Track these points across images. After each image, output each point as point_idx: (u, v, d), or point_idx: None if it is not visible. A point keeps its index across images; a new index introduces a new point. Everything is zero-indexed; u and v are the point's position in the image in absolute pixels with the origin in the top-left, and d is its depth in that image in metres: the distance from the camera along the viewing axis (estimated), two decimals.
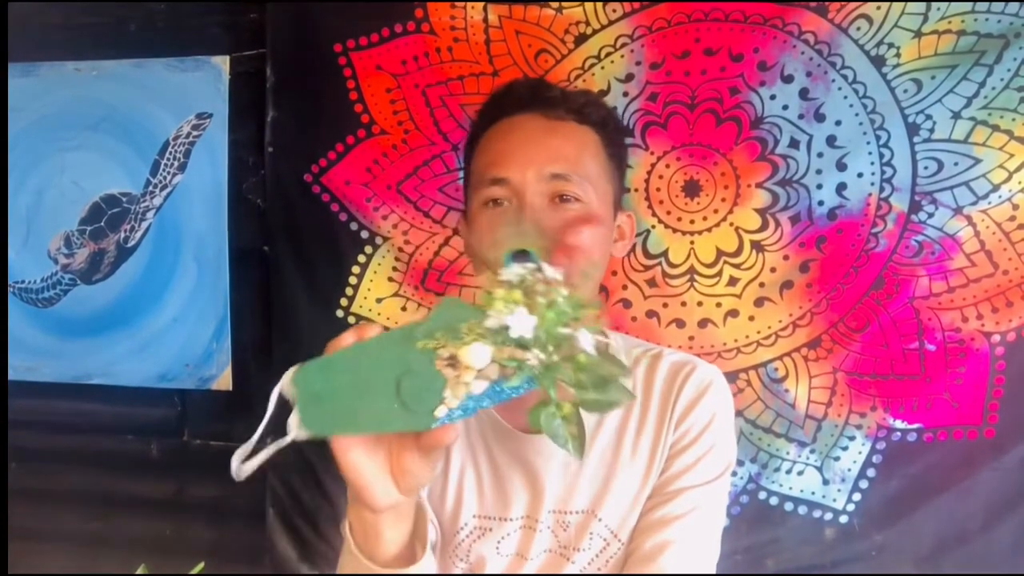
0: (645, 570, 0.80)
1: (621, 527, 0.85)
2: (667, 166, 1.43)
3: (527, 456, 0.87)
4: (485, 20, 1.46)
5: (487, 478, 0.89)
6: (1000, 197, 1.34)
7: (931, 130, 1.35)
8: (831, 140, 1.38)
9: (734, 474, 1.40)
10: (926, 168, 1.36)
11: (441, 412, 0.57)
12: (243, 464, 0.57)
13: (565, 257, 0.77)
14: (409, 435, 0.60)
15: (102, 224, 1.71)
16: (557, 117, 0.85)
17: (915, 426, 1.39)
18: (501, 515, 0.88)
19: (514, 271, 0.58)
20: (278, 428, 0.58)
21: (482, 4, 1.45)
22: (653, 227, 1.45)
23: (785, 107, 1.38)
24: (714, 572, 0.85)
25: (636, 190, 1.44)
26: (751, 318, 1.43)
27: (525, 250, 0.61)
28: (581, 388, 0.56)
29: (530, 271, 0.58)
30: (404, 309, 1.56)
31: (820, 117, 1.38)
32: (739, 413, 1.44)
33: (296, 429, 0.57)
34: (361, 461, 0.60)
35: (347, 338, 0.60)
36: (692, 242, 1.44)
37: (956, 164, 1.34)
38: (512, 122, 0.86)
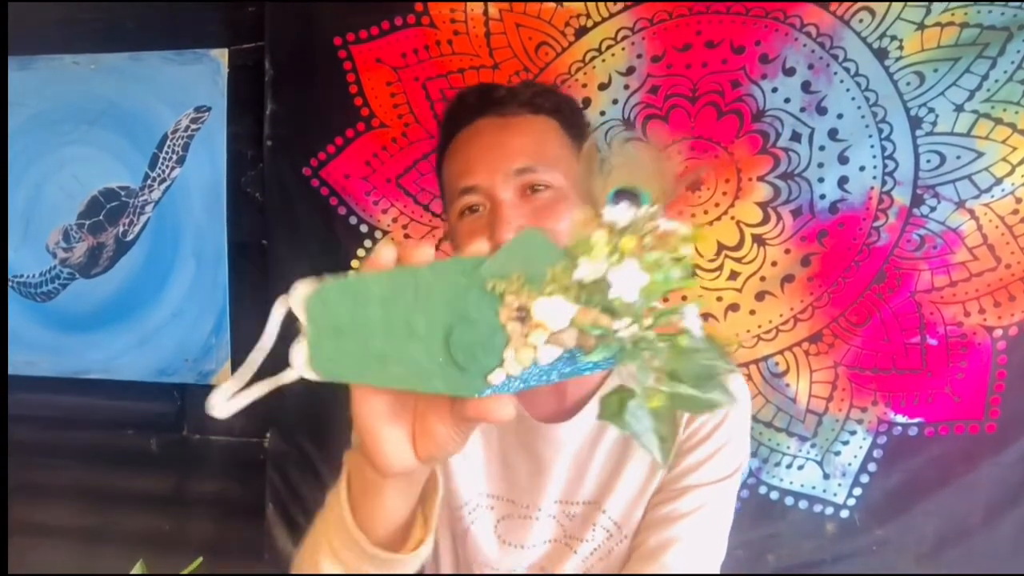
0: (648, 567, 0.80)
1: (625, 520, 0.85)
2: (668, 159, 1.42)
3: (537, 446, 0.86)
4: (485, 13, 1.45)
5: (495, 463, 0.88)
6: (1003, 191, 1.33)
7: (933, 123, 1.34)
8: (833, 133, 1.37)
9: None
10: (928, 161, 1.35)
11: (496, 378, 0.43)
12: (228, 402, 0.44)
13: None
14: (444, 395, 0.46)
15: (101, 218, 1.70)
16: (510, 114, 0.87)
17: (916, 420, 1.39)
18: (507, 497, 0.87)
19: (623, 211, 0.42)
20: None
21: None
22: None
23: (787, 100, 1.38)
24: (718, 571, 0.85)
25: None
26: (752, 312, 1.43)
27: (633, 190, 0.44)
28: (675, 379, 0.42)
29: (648, 215, 0.42)
30: None
31: (822, 110, 1.37)
32: None
33: (303, 367, 0.44)
34: (379, 415, 0.47)
35: (385, 255, 0.45)
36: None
37: (959, 157, 1.34)
38: (471, 130, 0.88)
